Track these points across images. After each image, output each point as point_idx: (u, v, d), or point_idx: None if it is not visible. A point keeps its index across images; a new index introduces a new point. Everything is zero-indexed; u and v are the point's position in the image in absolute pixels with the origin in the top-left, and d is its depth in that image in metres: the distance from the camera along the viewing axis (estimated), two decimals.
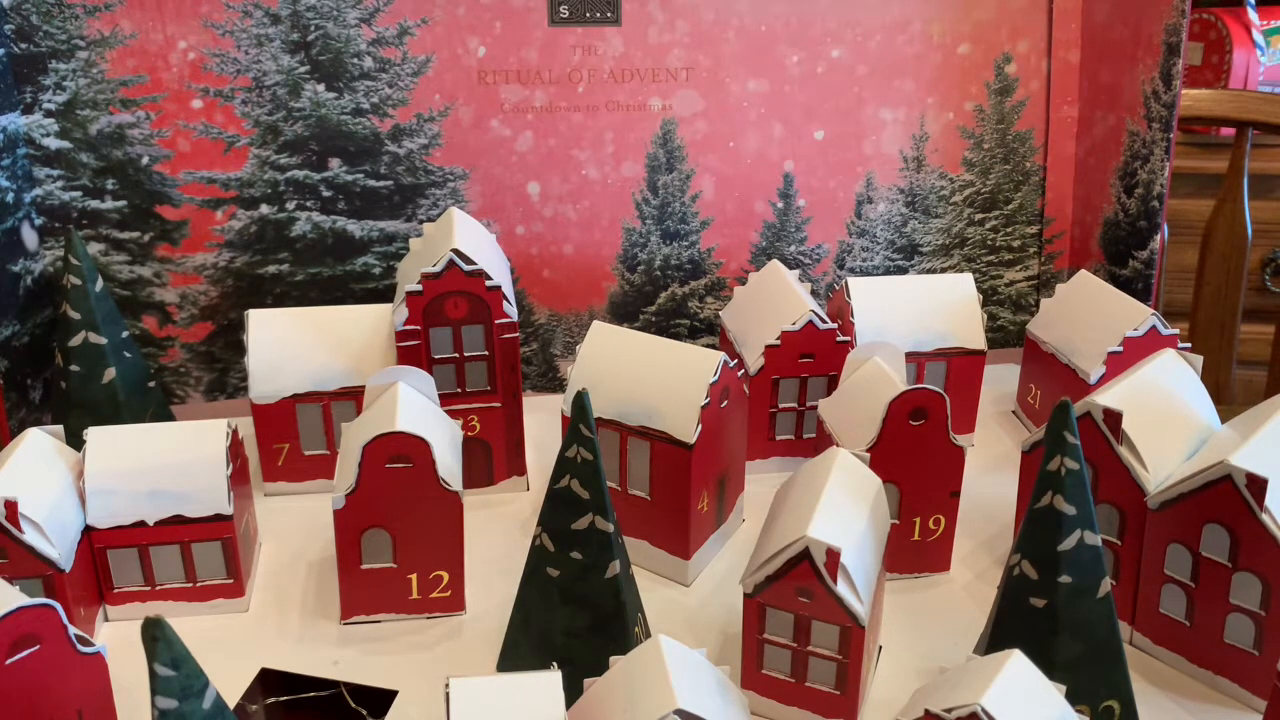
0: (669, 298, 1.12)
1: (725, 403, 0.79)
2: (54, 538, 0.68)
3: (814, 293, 0.98)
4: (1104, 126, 1.10)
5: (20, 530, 0.66)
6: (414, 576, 0.74)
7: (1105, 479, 0.70)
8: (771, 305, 0.93)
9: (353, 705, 0.67)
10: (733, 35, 1.06)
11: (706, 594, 0.79)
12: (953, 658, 0.69)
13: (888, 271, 1.15)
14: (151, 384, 0.93)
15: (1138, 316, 0.88)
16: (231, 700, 0.67)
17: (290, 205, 1.03)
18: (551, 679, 0.54)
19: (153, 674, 0.48)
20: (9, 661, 0.56)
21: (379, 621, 0.75)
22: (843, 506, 0.64)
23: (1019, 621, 0.62)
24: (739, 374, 0.81)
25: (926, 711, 0.52)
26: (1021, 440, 0.84)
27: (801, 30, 1.07)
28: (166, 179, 1.00)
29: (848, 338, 0.92)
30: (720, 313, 1.02)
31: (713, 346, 0.82)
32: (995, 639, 0.63)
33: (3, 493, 0.66)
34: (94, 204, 0.99)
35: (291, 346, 0.88)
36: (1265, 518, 0.63)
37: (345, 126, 1.02)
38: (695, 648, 0.56)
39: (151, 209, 1.01)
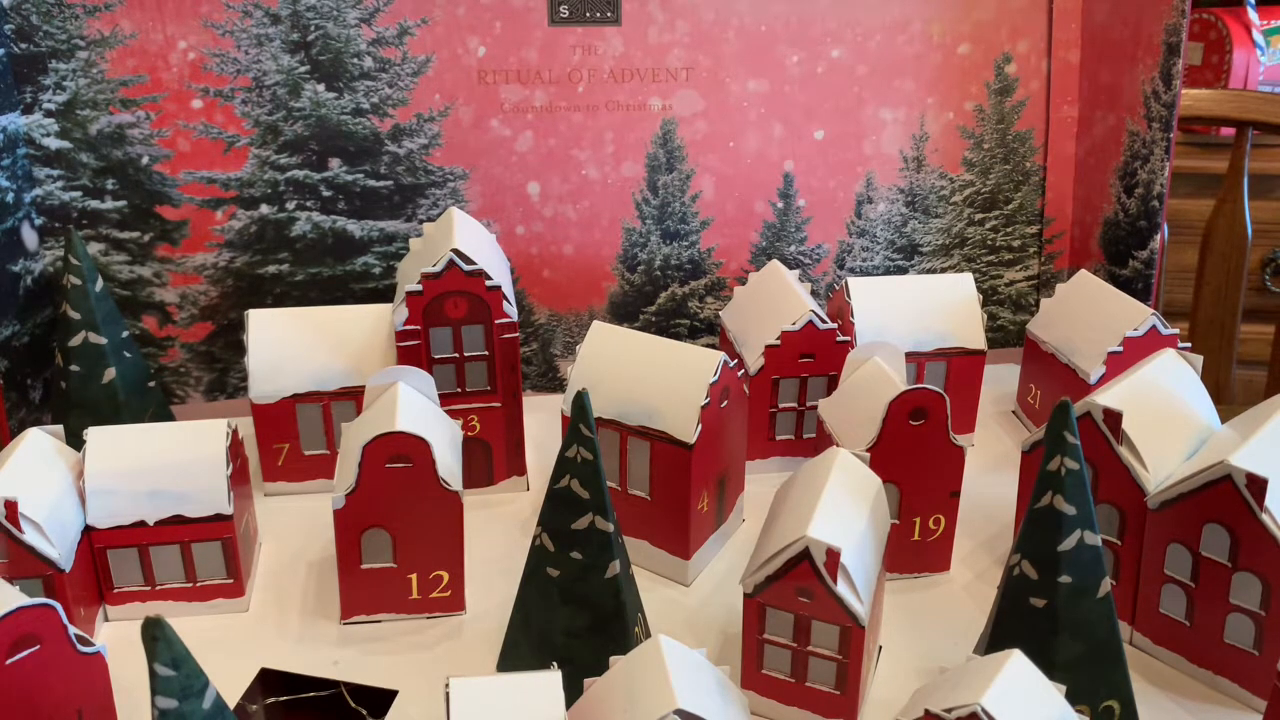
0: (669, 298, 1.12)
1: (725, 403, 0.79)
2: (54, 538, 0.68)
3: (814, 293, 0.98)
4: (1104, 126, 1.10)
5: (20, 530, 0.66)
6: (414, 576, 0.74)
7: (1105, 479, 0.70)
8: (771, 305, 0.93)
9: (353, 705, 0.67)
10: (733, 35, 1.06)
11: (706, 594, 0.79)
12: (953, 658, 0.69)
13: (888, 271, 1.15)
14: (151, 384, 0.93)
15: (1138, 316, 0.88)
16: (231, 700, 0.67)
17: (290, 205, 1.03)
18: (551, 679, 0.54)
19: (153, 674, 0.48)
20: (9, 661, 0.56)
21: (379, 621, 0.75)
22: (843, 506, 0.64)
23: (1019, 621, 0.62)
24: (739, 374, 0.81)
25: (926, 711, 0.52)
26: (1021, 440, 0.84)
27: (801, 30, 1.07)
28: (166, 179, 1.00)
29: (848, 338, 0.92)
30: (720, 313, 1.02)
31: (713, 346, 0.82)
32: (995, 639, 0.63)
33: (3, 493, 0.66)
34: (94, 204, 0.99)
35: (291, 346, 0.88)
36: (1265, 518, 0.63)
37: (345, 126, 1.02)
38: (695, 648, 0.56)
39: (151, 209, 1.01)
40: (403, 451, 0.70)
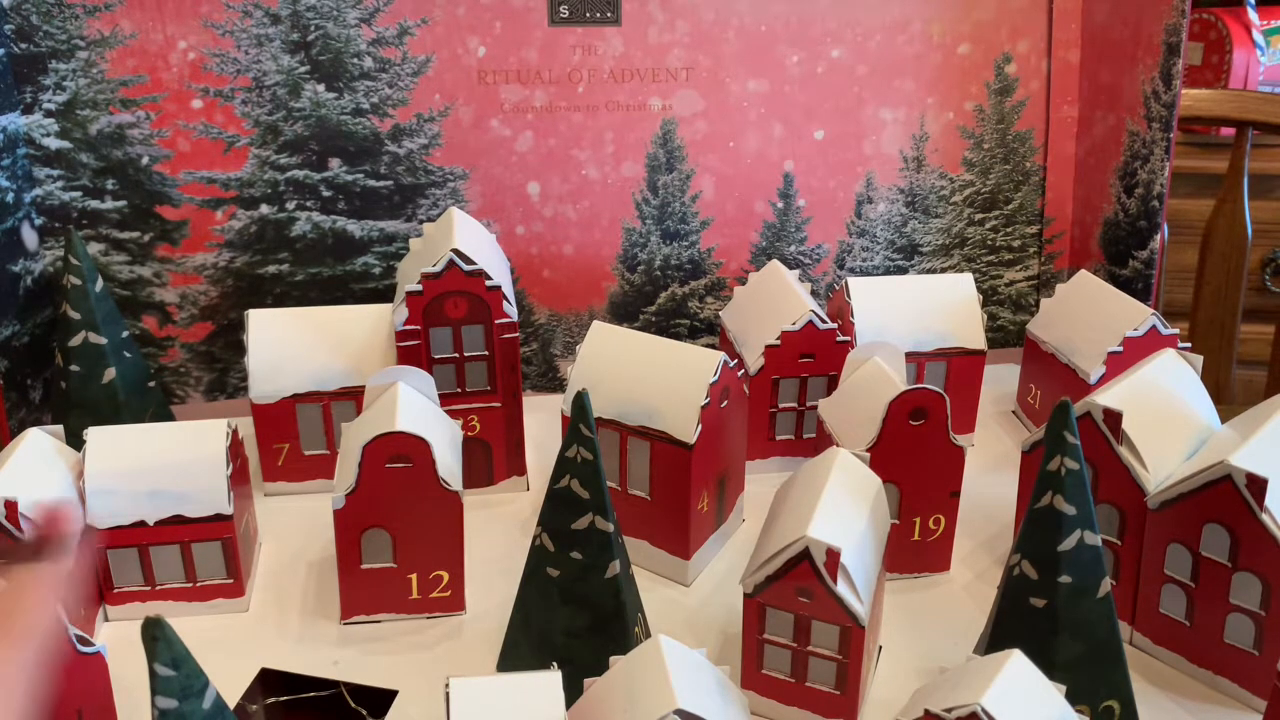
0: (669, 298, 1.12)
1: (725, 403, 0.79)
2: None
3: (814, 293, 0.98)
4: (1104, 126, 1.10)
5: (20, 530, 0.66)
6: (414, 576, 0.74)
7: (1105, 479, 0.70)
8: (771, 305, 0.93)
9: (353, 705, 0.67)
10: (733, 35, 1.06)
11: (706, 594, 0.79)
12: (953, 658, 0.69)
13: (888, 271, 1.15)
14: (151, 384, 0.93)
15: (1138, 316, 0.88)
16: (231, 700, 0.67)
17: (290, 205, 1.03)
18: (551, 679, 0.54)
19: (153, 674, 0.48)
20: None
21: (379, 621, 0.75)
22: (843, 506, 0.64)
23: (1019, 621, 0.62)
24: (739, 374, 0.81)
25: (926, 711, 0.52)
26: (1021, 440, 0.84)
27: (801, 30, 1.07)
28: (166, 179, 1.00)
29: (848, 338, 0.92)
30: (720, 313, 1.02)
31: (713, 346, 0.82)
32: (995, 639, 0.63)
33: (3, 493, 0.66)
34: (94, 204, 0.99)
35: (291, 346, 0.88)
36: (1265, 518, 0.63)
37: (345, 126, 1.02)
38: (695, 648, 0.56)
39: (151, 209, 1.01)
40: (403, 451, 0.70)
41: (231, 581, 0.75)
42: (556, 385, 1.11)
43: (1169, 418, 0.73)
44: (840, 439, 0.79)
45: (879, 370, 0.80)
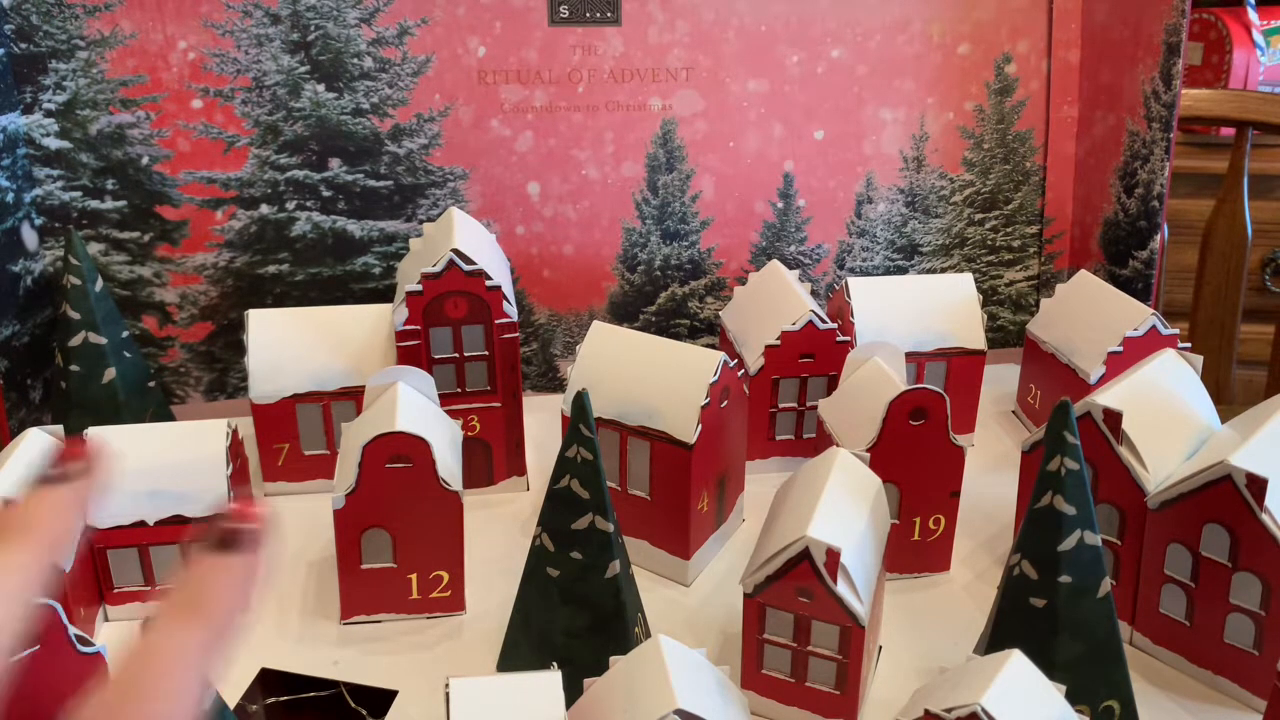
0: (669, 298, 1.12)
1: (725, 403, 0.79)
2: None
3: (814, 293, 0.98)
4: (1104, 126, 1.10)
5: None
6: (414, 576, 0.74)
7: (1105, 479, 0.70)
8: (771, 305, 0.93)
9: (353, 705, 0.68)
10: (733, 35, 1.06)
11: (706, 594, 0.79)
12: (953, 658, 0.69)
13: (888, 271, 1.15)
14: (151, 384, 0.93)
15: (1138, 316, 0.88)
16: (231, 700, 0.67)
17: (290, 205, 1.03)
18: (551, 679, 0.54)
19: None
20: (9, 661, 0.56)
21: (379, 621, 0.75)
22: (843, 506, 0.64)
23: (1019, 621, 0.62)
24: (739, 374, 0.81)
25: (926, 711, 0.52)
26: (1021, 440, 0.84)
27: (801, 30, 1.07)
28: (166, 179, 1.00)
29: (848, 338, 0.92)
30: (720, 313, 1.02)
31: (713, 346, 0.82)
32: (995, 639, 0.63)
33: (3, 493, 0.66)
34: (94, 204, 0.99)
35: (291, 346, 0.88)
36: (1265, 518, 0.63)
37: (345, 126, 1.02)
38: (695, 648, 0.56)
39: (151, 209, 1.01)
40: (403, 451, 0.70)
41: None
42: (556, 385, 1.11)
43: (1169, 418, 0.73)
44: (840, 439, 0.79)
45: (879, 370, 0.80)
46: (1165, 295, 1.26)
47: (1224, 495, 0.65)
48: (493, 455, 0.90)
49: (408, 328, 0.85)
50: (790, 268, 1.02)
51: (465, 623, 0.75)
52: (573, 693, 0.55)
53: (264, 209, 1.03)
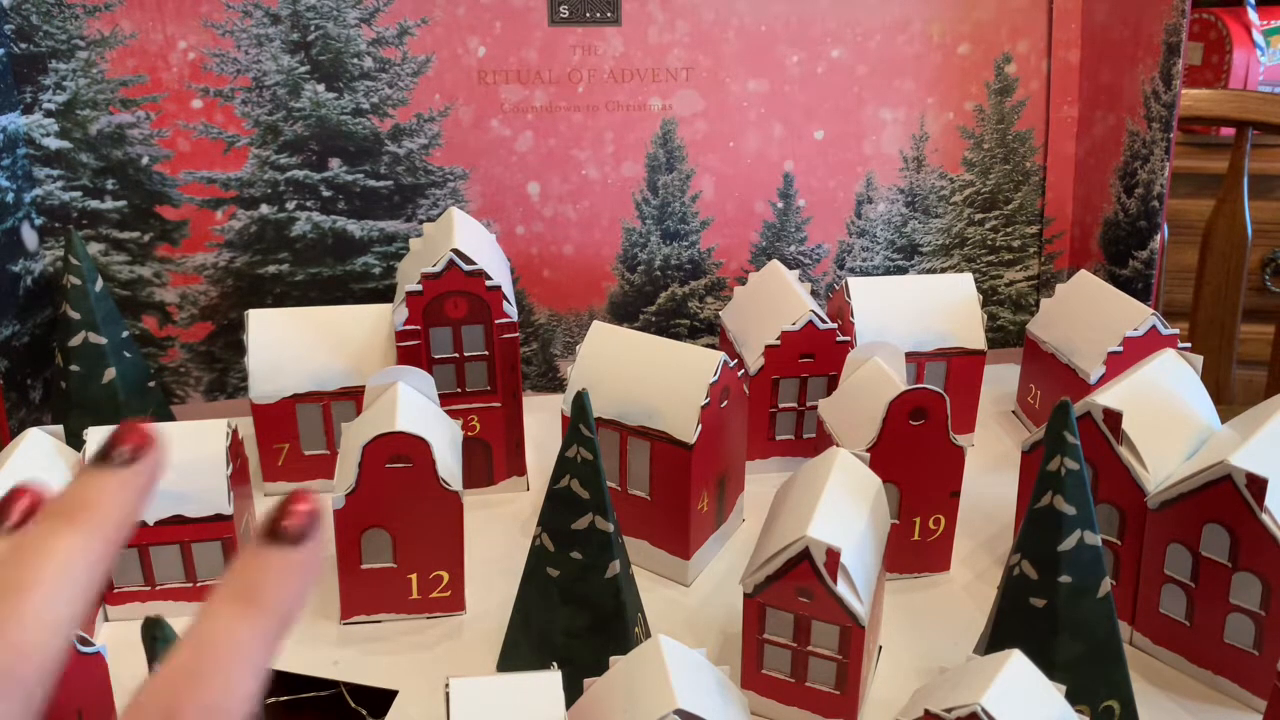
0: (669, 298, 1.12)
1: (725, 403, 0.79)
2: None
3: (814, 293, 0.98)
4: (1104, 126, 1.10)
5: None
6: (414, 576, 0.74)
7: (1105, 479, 0.70)
8: (771, 305, 0.93)
9: (353, 705, 0.67)
10: (733, 35, 1.06)
11: (706, 594, 0.79)
12: (953, 658, 0.69)
13: (888, 271, 1.15)
14: (151, 384, 0.93)
15: (1138, 316, 0.88)
16: None
17: (290, 205, 1.03)
18: (551, 679, 0.54)
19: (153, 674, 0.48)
20: None
21: (379, 621, 0.75)
22: (843, 506, 0.64)
23: (1019, 621, 0.62)
24: (739, 374, 0.81)
25: (926, 711, 0.52)
26: (1021, 440, 0.84)
27: (801, 30, 1.07)
28: (166, 179, 1.00)
29: (848, 338, 0.92)
30: (720, 313, 1.02)
31: (713, 346, 0.82)
32: (995, 639, 0.63)
33: (2, 493, 0.66)
34: (94, 204, 0.99)
35: (291, 346, 0.88)
36: (1265, 518, 0.63)
37: (345, 126, 1.02)
38: (695, 648, 0.56)
39: (151, 209, 1.01)
40: (403, 451, 0.70)
41: None
42: (556, 385, 1.11)
43: (1169, 418, 0.73)
44: (840, 439, 0.79)
45: (879, 370, 0.80)
46: (1165, 295, 1.26)
47: (1224, 495, 0.65)
48: (493, 455, 0.90)
49: (408, 328, 0.85)
50: (790, 268, 1.02)
51: (465, 623, 0.75)
52: (573, 693, 0.55)
53: (264, 209, 1.03)
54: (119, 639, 0.70)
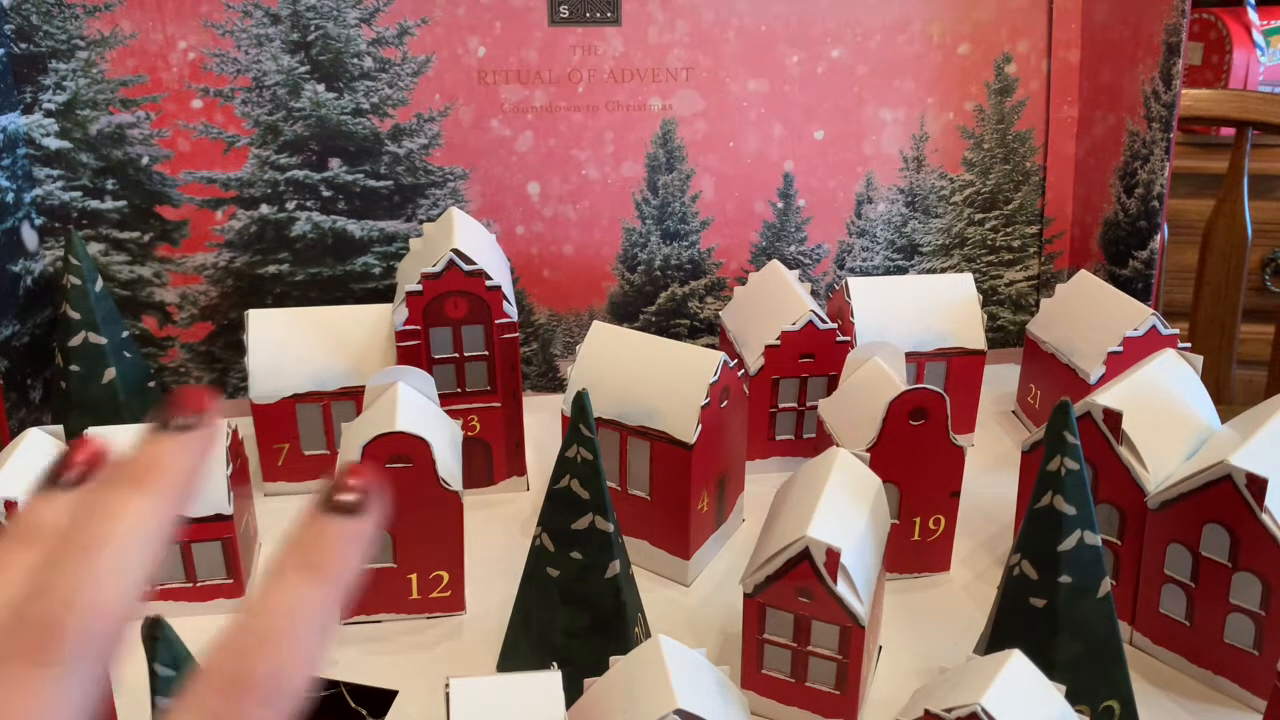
0: (669, 298, 1.12)
1: (725, 403, 0.79)
2: None
3: (814, 293, 0.98)
4: (1104, 126, 1.10)
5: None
6: (414, 576, 0.74)
7: (1105, 479, 0.70)
8: (771, 305, 0.93)
9: (353, 705, 0.67)
10: (733, 35, 1.06)
11: (706, 594, 0.79)
12: (953, 658, 0.69)
13: (888, 271, 1.15)
14: (151, 384, 0.93)
15: (1138, 316, 0.88)
16: None
17: (290, 205, 1.03)
18: (551, 679, 0.54)
19: (153, 674, 0.48)
20: None
21: (379, 621, 0.75)
22: (843, 506, 0.64)
23: (1019, 621, 0.62)
24: (739, 374, 0.81)
25: (926, 711, 0.52)
26: (1021, 440, 0.84)
27: (801, 30, 1.07)
28: (166, 179, 1.00)
29: (848, 338, 0.92)
30: (720, 313, 1.02)
31: (713, 346, 0.82)
32: (995, 639, 0.63)
33: (3, 493, 0.66)
34: (94, 204, 0.99)
35: (291, 346, 0.88)
36: (1265, 518, 0.63)
37: (345, 126, 1.02)
38: (695, 648, 0.56)
39: (151, 209, 1.01)
40: (403, 451, 0.70)
41: (231, 582, 0.75)
42: (556, 385, 1.12)
43: (1169, 418, 0.73)
44: (840, 439, 0.79)
45: (879, 370, 0.80)
46: (1165, 295, 1.26)
47: (1224, 495, 0.65)
48: (493, 455, 0.90)
49: (408, 328, 0.85)
50: (790, 268, 1.02)
51: (465, 623, 0.75)
52: (573, 693, 0.55)
53: (264, 209, 1.03)
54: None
